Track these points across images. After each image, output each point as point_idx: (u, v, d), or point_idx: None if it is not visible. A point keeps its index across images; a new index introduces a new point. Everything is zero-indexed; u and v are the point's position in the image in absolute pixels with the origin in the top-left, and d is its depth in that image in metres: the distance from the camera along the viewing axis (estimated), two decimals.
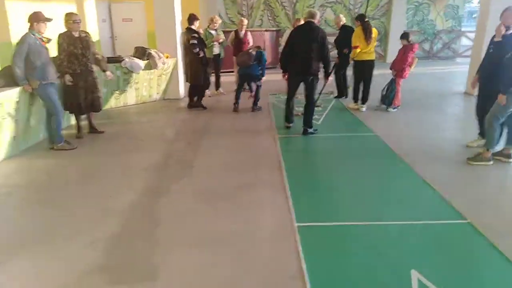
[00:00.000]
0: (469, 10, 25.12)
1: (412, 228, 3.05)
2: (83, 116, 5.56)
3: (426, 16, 13.27)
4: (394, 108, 6.66)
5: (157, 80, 7.79)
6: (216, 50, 7.82)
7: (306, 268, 2.56)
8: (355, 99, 6.97)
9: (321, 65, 5.32)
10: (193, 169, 4.31)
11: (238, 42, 8.30)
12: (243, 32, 8.31)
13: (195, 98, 7.21)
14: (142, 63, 7.35)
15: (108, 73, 5.60)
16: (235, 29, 8.49)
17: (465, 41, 13.60)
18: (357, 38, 6.55)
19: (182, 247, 2.85)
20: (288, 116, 5.76)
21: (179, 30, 7.85)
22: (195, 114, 6.81)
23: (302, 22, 6.19)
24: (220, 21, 7.87)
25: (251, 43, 8.51)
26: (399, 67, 6.60)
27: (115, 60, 7.22)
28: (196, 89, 7.22)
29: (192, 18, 6.89)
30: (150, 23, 11.55)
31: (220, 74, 8.39)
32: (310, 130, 5.46)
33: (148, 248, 2.85)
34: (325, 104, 7.21)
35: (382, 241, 2.88)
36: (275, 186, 3.81)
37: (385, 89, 6.80)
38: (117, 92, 7.20)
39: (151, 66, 7.50)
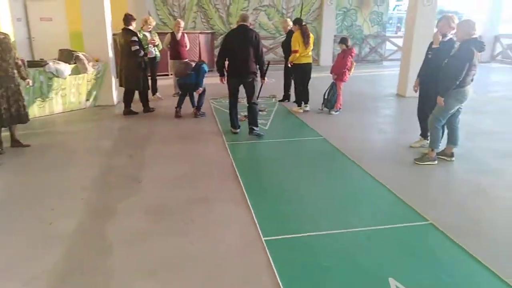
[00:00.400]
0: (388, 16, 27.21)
1: (379, 233, 3.03)
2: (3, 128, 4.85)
3: (354, 22, 13.91)
4: (336, 111, 6.79)
5: (87, 85, 7.14)
6: (152, 52, 7.39)
7: (282, 284, 2.40)
8: (298, 102, 7.01)
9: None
10: (139, 184, 3.93)
11: (175, 45, 7.93)
12: (179, 34, 7.95)
13: (140, 105, 6.78)
14: (68, 67, 6.68)
15: (28, 81, 4.96)
16: (171, 31, 8.10)
17: (389, 46, 14.49)
18: (296, 42, 6.61)
19: (141, 277, 2.52)
20: (234, 122, 5.62)
21: (110, 31, 7.28)
22: (133, 121, 6.33)
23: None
24: (154, 23, 7.44)
25: (188, 46, 8.20)
26: (339, 71, 6.75)
27: (37, 64, 6.48)
28: (132, 94, 6.76)
29: (129, 19, 6.43)
30: (72, 22, 10.65)
31: (157, 78, 7.96)
32: (256, 130, 5.38)
33: (101, 281, 2.47)
34: (269, 108, 7.14)
35: (353, 249, 2.81)
36: (233, 199, 3.59)
37: (327, 93, 6.92)
38: (40, 99, 6.45)
39: (79, 70, 6.85)
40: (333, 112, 6.77)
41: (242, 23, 5.30)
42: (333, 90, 6.86)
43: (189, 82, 6.44)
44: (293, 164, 4.51)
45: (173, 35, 7.93)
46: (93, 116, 6.67)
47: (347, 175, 4.24)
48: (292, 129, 6.08)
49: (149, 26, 7.23)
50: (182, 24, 7.99)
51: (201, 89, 6.47)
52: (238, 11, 13.15)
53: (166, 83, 8.67)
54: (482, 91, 8.54)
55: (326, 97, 6.92)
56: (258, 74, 5.42)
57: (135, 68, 6.41)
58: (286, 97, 7.69)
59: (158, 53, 7.61)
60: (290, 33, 7.27)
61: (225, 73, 5.41)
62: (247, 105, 5.45)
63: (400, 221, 3.20)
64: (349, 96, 7.74)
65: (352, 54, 6.76)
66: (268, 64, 5.65)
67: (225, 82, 5.43)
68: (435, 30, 4.54)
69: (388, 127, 6.23)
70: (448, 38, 4.43)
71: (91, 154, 4.83)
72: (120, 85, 6.76)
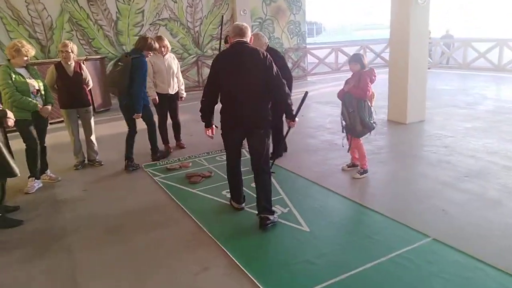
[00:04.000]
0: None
1: None
2: None
3: (272, 34, 11.87)
4: (362, 173, 4.28)
5: None
6: (39, 102, 4.06)
7: None
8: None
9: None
10: None
11: (66, 85, 4.61)
12: (72, 64, 4.62)
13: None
14: None
15: None
16: (57, 61, 4.70)
17: (311, 59, 12.89)
18: None
19: None
20: (238, 192, 3.53)
21: None
22: (14, 255, 2.90)
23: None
24: (33, 52, 3.99)
25: (91, 83, 4.91)
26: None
27: None
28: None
29: None
30: None
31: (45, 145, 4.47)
32: (272, 219, 3.20)
33: None
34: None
35: None
36: None
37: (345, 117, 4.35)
38: None
39: None
40: (358, 175, 4.25)
41: (238, 39, 3.17)
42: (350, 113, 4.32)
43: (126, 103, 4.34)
44: None
45: (59, 68, 4.57)
46: None
47: None
48: (348, 225, 3.30)
49: (25, 58, 3.79)
50: (72, 47, 4.62)
51: (138, 115, 4.58)
52: (130, 27, 10.03)
53: (58, 140, 5.15)
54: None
55: (346, 122, 4.38)
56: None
57: None
58: (280, 151, 4.79)
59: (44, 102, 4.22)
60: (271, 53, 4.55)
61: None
62: (253, 172, 3.34)
63: None
64: (332, 134, 5.42)
65: (373, 77, 4.40)
66: (305, 95, 3.58)
67: (212, 134, 3.42)
68: None
69: (466, 187, 3.84)
70: None
71: None
72: None
